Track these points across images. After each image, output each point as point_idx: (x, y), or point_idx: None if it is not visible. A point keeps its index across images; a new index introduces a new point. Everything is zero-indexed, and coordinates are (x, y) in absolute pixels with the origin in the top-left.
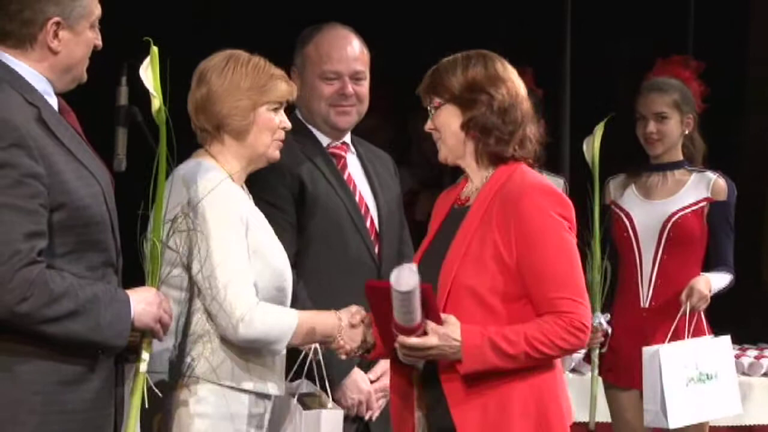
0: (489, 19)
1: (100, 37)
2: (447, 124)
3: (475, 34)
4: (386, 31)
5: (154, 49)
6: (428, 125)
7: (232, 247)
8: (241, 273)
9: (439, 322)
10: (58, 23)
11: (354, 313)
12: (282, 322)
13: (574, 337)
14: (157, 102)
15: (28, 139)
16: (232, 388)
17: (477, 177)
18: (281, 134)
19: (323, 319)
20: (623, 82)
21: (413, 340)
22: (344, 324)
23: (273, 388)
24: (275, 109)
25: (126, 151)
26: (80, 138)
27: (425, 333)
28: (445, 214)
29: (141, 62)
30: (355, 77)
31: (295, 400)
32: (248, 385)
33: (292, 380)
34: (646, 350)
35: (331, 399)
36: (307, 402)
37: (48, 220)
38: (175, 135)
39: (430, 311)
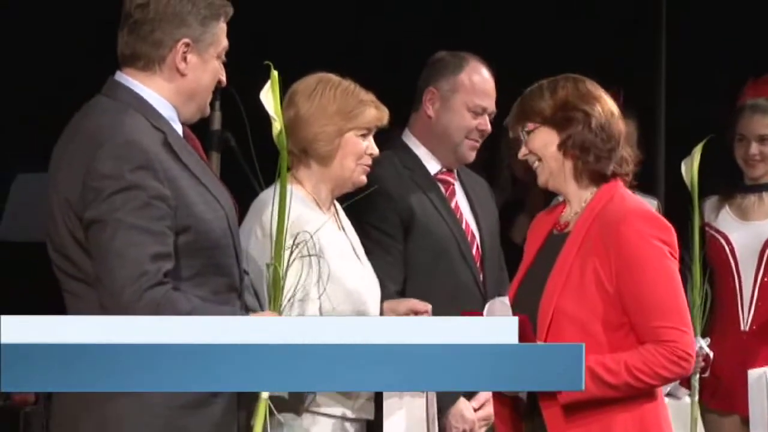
0: (583, 39)
1: (224, 73)
2: (543, 146)
3: (569, 56)
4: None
5: (275, 74)
6: (522, 151)
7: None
8: (303, 304)
9: None
10: (187, 44)
11: None
12: None
13: (677, 366)
14: (278, 125)
15: (155, 162)
16: (321, 414)
17: (576, 200)
18: (368, 160)
19: None
20: (718, 103)
21: None
22: None
23: (353, 412)
24: (363, 135)
25: (219, 176)
26: (204, 163)
27: None
28: (543, 239)
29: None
30: (491, 114)
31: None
32: (335, 411)
33: None
34: (752, 373)
35: None
36: None
37: (174, 242)
38: (259, 159)
39: (527, 341)
